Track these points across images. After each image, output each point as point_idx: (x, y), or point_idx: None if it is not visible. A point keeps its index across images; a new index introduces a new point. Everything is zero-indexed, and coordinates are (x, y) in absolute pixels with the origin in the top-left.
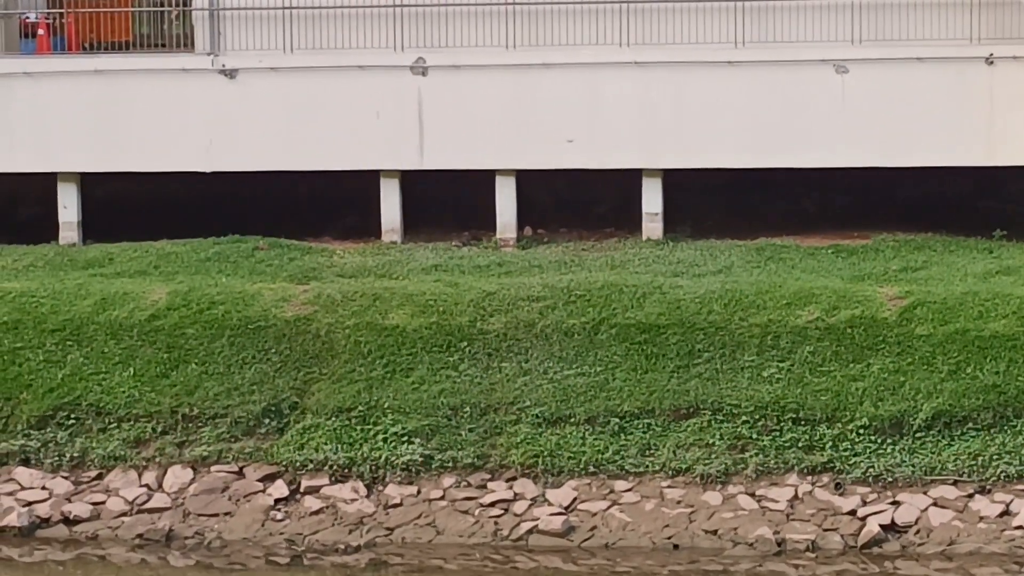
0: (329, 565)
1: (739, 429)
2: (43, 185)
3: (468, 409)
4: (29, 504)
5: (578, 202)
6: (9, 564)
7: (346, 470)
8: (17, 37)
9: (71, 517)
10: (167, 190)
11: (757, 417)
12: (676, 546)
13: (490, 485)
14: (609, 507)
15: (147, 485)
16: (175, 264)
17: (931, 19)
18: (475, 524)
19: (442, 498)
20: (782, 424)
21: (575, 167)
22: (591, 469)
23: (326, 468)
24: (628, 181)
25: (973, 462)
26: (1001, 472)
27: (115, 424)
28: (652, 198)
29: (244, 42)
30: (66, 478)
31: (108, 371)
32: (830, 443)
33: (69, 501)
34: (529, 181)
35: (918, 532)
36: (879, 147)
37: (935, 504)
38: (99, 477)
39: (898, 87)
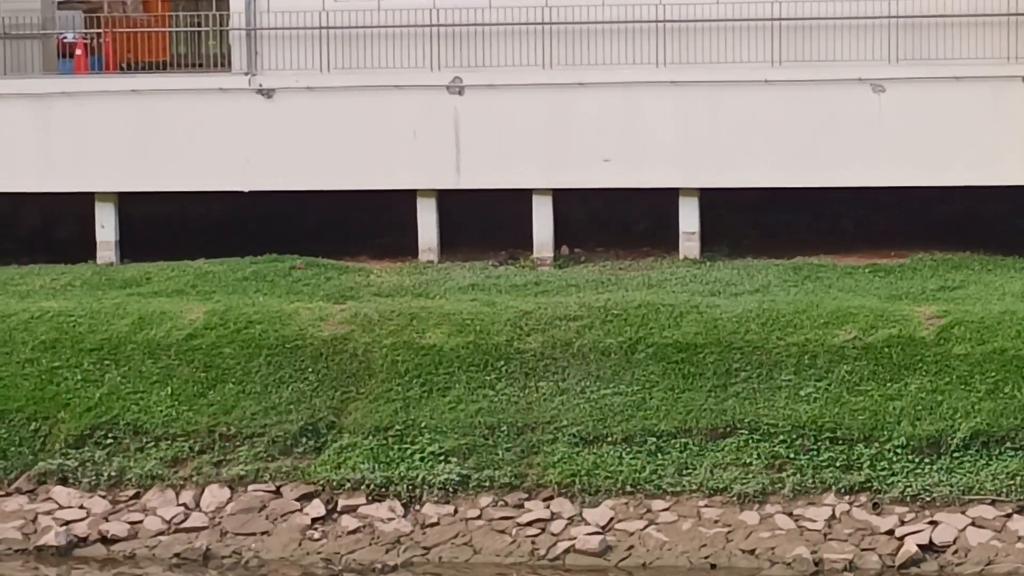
0: None
1: (776, 448)
2: (81, 204)
3: (505, 428)
4: (67, 523)
5: (615, 221)
6: None
7: (383, 489)
8: (55, 57)
9: (109, 536)
10: (204, 209)
11: (794, 436)
12: (713, 566)
13: (527, 504)
14: (646, 526)
15: (184, 504)
16: (212, 283)
17: (967, 38)
18: (512, 543)
19: (479, 517)
20: (819, 443)
21: (612, 186)
22: (628, 488)
23: (363, 487)
24: (665, 200)
25: (1011, 482)
26: None
27: (152, 443)
28: (689, 217)
29: (281, 62)
30: (104, 497)
31: (146, 390)
32: (868, 462)
33: (107, 520)
34: (566, 200)
35: (956, 552)
36: (916, 166)
37: (973, 524)
38: (136, 496)
39: (935, 106)
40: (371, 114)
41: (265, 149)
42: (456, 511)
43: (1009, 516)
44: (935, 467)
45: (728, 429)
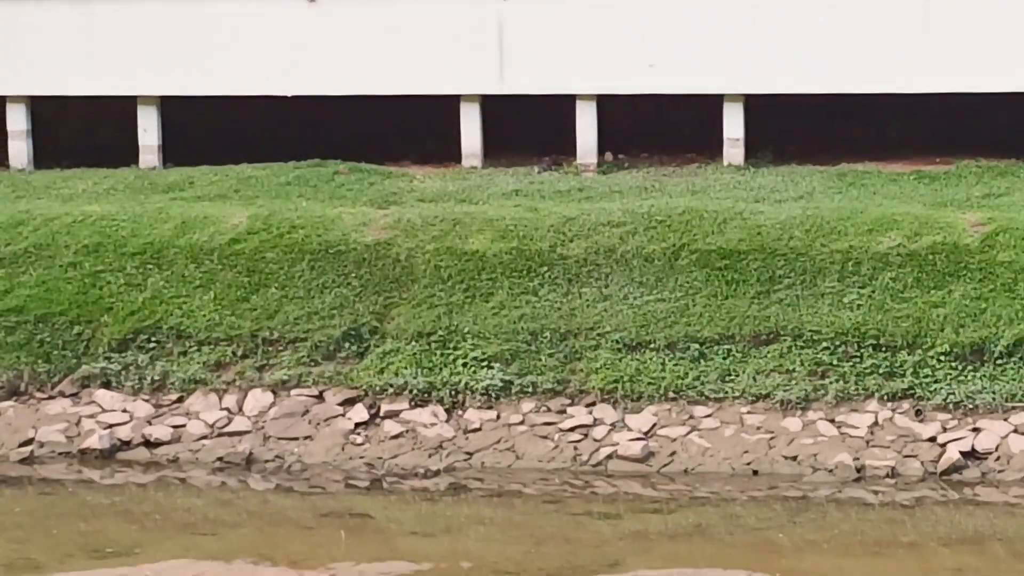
0: (408, 489)
1: (819, 355)
2: (123, 108)
3: (548, 334)
4: (110, 427)
5: (659, 127)
6: (90, 486)
7: (426, 395)
8: None
9: (152, 440)
10: (247, 114)
11: (837, 343)
12: (755, 472)
13: (569, 410)
14: (688, 433)
15: (227, 408)
16: (255, 188)
17: None
18: (554, 449)
19: (521, 423)
20: (862, 350)
21: (656, 92)
22: (671, 395)
23: (406, 392)
24: (710, 106)
25: None
26: None
27: (195, 347)
28: (733, 123)
29: None
30: (147, 401)
31: (188, 295)
32: (911, 369)
33: (150, 424)
34: (610, 105)
35: (998, 459)
36: (965, 71)
37: (1016, 431)
38: (179, 400)
39: (983, 6)
40: (415, 18)
41: (309, 53)
42: (498, 417)
43: None
44: (978, 374)
45: (771, 336)
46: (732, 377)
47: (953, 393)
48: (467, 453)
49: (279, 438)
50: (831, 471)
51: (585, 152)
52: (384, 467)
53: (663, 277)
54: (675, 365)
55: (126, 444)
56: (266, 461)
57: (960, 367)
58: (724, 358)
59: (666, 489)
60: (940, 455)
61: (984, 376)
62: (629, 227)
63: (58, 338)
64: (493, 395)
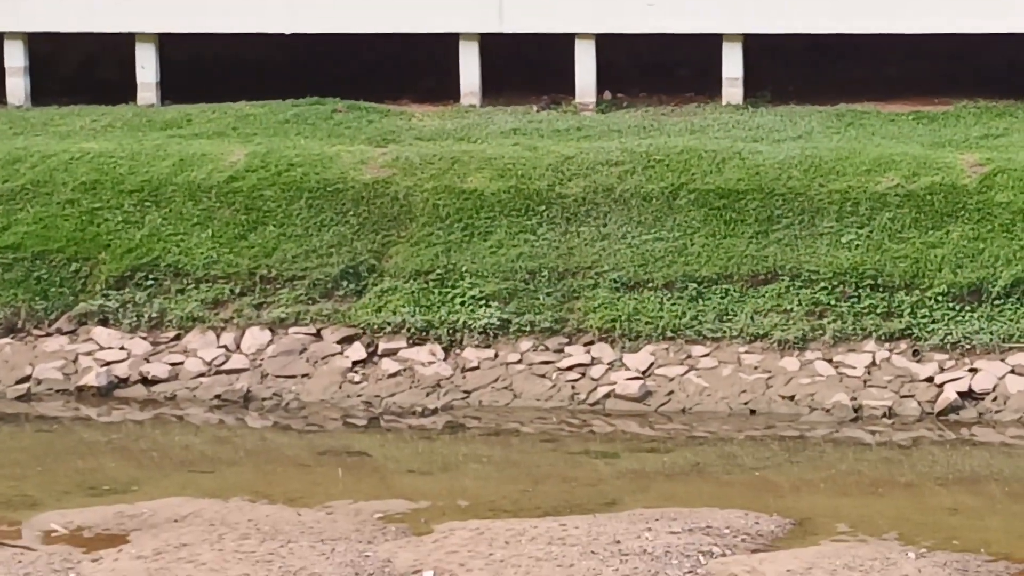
0: (406, 427)
1: (817, 295)
2: (121, 45)
3: (546, 273)
4: (107, 364)
5: (658, 66)
6: (88, 423)
7: (424, 333)
8: None
9: (149, 377)
10: (245, 51)
11: (835, 283)
12: (753, 411)
13: (567, 349)
14: (686, 372)
15: (225, 346)
16: (253, 126)
17: None
18: (552, 388)
19: (519, 362)
20: (860, 290)
21: (655, 31)
22: (668, 334)
23: (404, 331)
24: (709, 45)
25: None
26: None
27: (193, 285)
28: (732, 63)
29: None
30: (144, 338)
31: (186, 232)
32: (908, 310)
33: (147, 361)
34: (609, 44)
35: (995, 399)
36: (965, 11)
37: (1013, 371)
38: (177, 338)
39: None
40: None
41: None
42: (496, 355)
43: None
44: (975, 315)
45: (769, 275)
46: (730, 317)
47: (950, 333)
48: (465, 392)
49: (277, 376)
50: (828, 411)
51: (584, 91)
52: (382, 405)
53: (661, 216)
54: (673, 305)
55: (123, 381)
56: (264, 399)
57: (958, 307)
58: (722, 298)
59: (663, 428)
60: (937, 395)
61: (982, 316)
62: (627, 166)
63: (55, 275)
64: (491, 334)
